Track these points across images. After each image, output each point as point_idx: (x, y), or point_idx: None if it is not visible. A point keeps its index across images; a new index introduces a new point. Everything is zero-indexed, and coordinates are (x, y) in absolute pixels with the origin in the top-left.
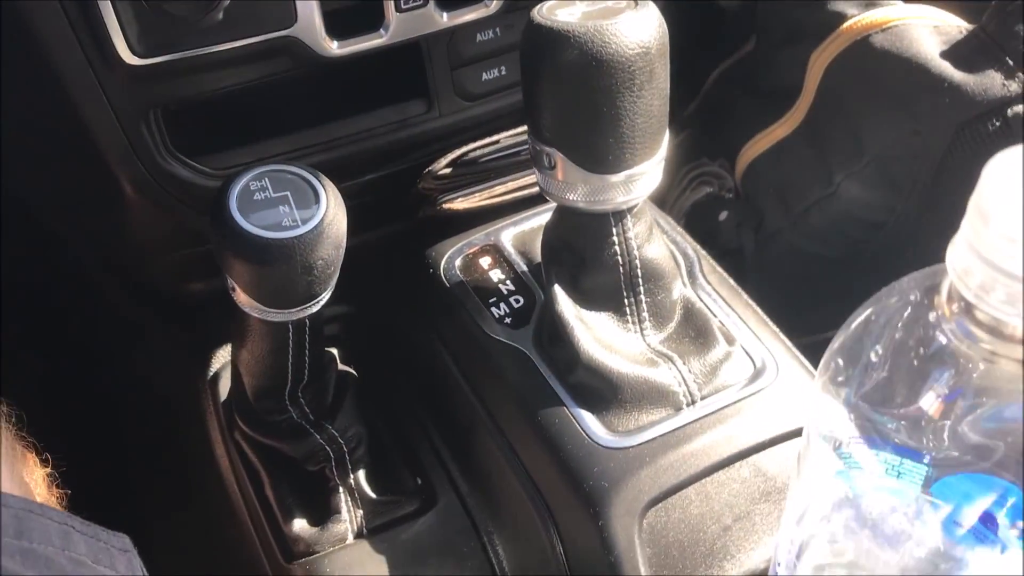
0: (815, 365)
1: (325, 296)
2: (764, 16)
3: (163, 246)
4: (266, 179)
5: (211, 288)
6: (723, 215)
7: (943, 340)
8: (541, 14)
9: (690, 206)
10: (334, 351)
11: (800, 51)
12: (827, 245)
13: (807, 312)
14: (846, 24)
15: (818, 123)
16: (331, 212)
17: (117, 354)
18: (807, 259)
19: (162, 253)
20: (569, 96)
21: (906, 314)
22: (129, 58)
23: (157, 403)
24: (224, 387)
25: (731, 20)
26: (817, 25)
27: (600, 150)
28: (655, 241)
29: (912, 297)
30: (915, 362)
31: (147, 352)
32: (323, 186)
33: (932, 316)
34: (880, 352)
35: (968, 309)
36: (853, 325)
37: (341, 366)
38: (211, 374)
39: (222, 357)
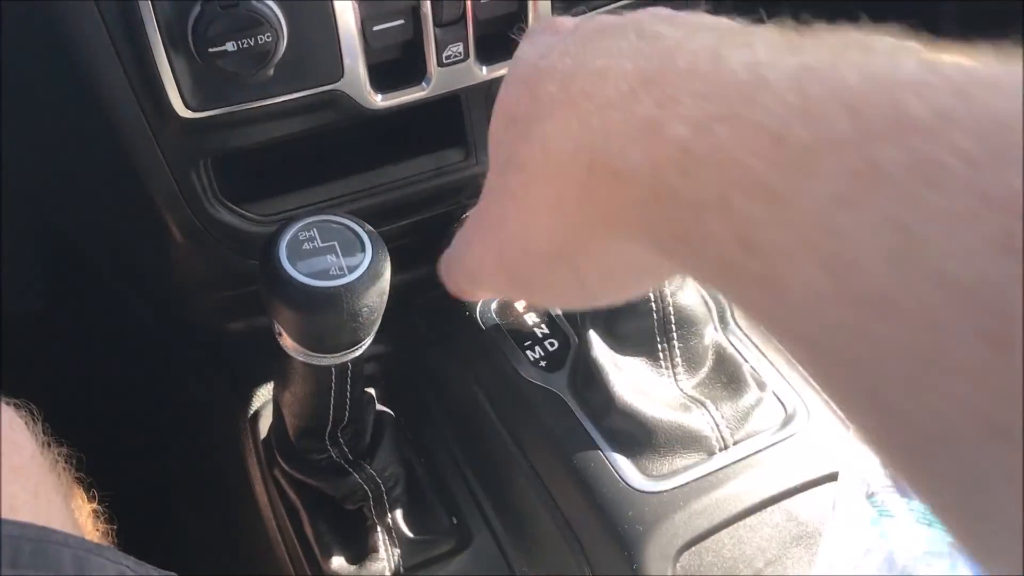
0: None
1: (368, 340)
2: None
3: (205, 286)
4: (314, 229)
5: (251, 327)
6: None
7: None
8: None
9: None
10: (372, 391)
11: None
12: None
13: None
14: None
15: None
16: (376, 261)
17: (157, 391)
18: None
19: (204, 292)
20: None
21: None
22: (183, 111)
23: (197, 439)
24: (264, 425)
25: None
26: None
27: None
28: (688, 288)
29: None
30: None
31: (187, 388)
32: (368, 236)
33: None
34: None
35: None
36: None
37: (379, 406)
38: (252, 412)
39: (262, 396)
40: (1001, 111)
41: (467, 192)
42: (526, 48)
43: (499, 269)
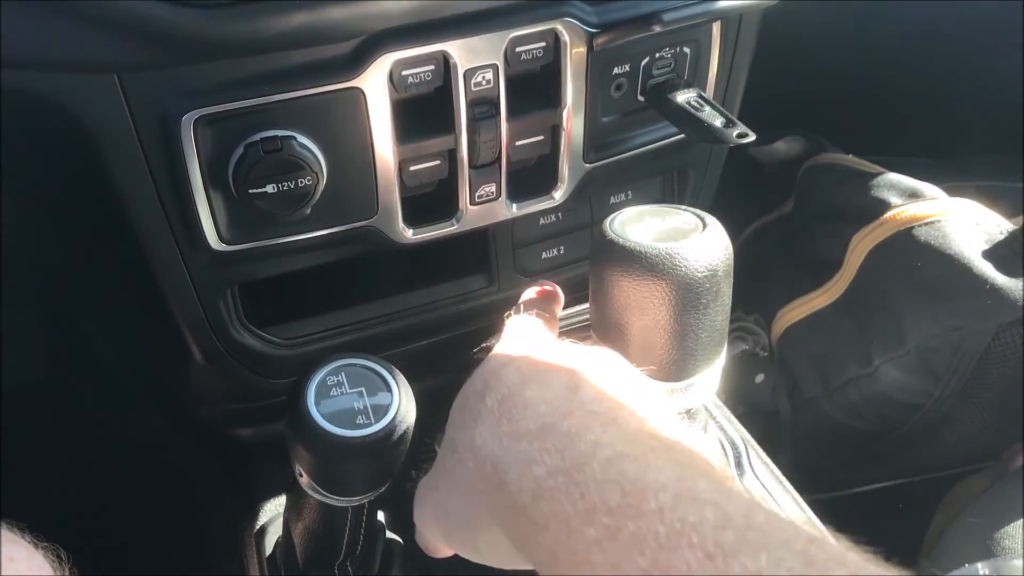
0: (841, 520)
1: (387, 483)
2: (805, 186)
3: (218, 399)
4: (343, 373)
5: (260, 434)
6: (759, 377)
7: None
8: (614, 230)
9: (727, 361)
10: (382, 517)
11: (841, 229)
12: (862, 419)
13: (835, 471)
14: (889, 213)
15: (858, 302)
16: (403, 409)
17: (164, 498)
18: (841, 429)
19: (216, 404)
20: (637, 311)
21: None
22: (216, 244)
23: (198, 547)
24: (270, 541)
25: (769, 178)
26: (859, 208)
27: (665, 361)
28: (709, 440)
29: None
30: None
31: (194, 497)
32: (396, 382)
33: None
34: None
35: None
36: None
37: (389, 533)
38: (258, 526)
39: (269, 510)
40: None
41: (488, 316)
42: (503, 348)
43: (434, 524)
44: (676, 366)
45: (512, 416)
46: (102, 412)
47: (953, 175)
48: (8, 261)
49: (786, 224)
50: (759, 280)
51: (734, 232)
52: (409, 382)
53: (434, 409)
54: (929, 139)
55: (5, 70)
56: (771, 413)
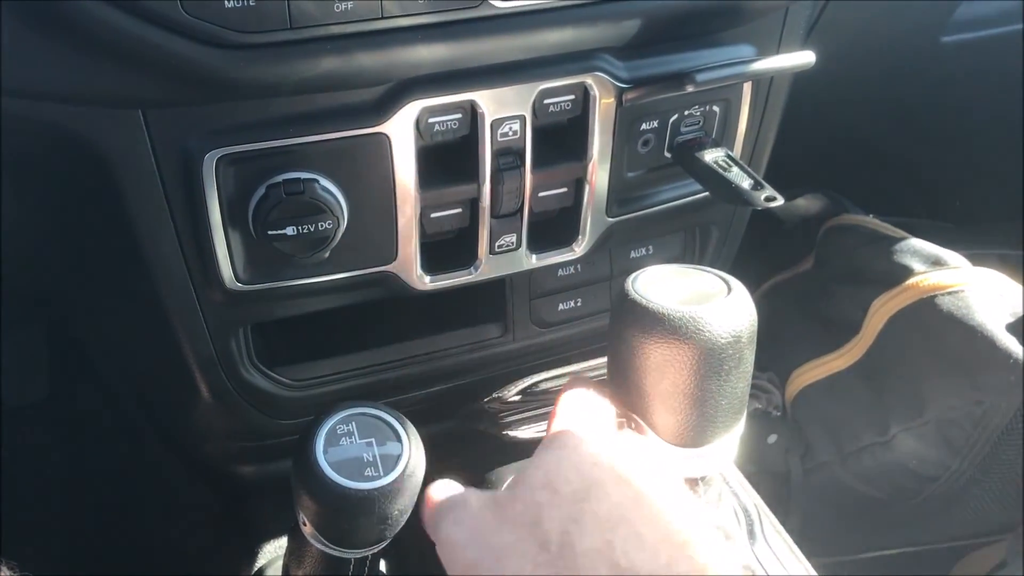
0: None
1: (392, 535)
2: (825, 245)
3: (223, 436)
4: (353, 422)
5: (261, 473)
6: (772, 438)
7: None
8: (636, 290)
9: None
10: (384, 567)
11: (862, 293)
12: (875, 487)
13: (845, 535)
14: (911, 280)
15: (877, 368)
16: (412, 462)
17: (162, 534)
18: (853, 495)
19: (220, 441)
20: (656, 374)
21: None
22: (232, 284)
23: None
24: None
25: (789, 235)
26: (881, 272)
27: (682, 427)
28: (723, 507)
29: None
30: None
31: (192, 534)
32: (407, 434)
33: None
34: None
35: None
36: None
37: None
38: (256, 568)
39: (268, 552)
40: None
41: (501, 365)
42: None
43: None
44: (694, 432)
45: None
46: (103, 443)
47: (974, 242)
48: (16, 283)
49: (805, 282)
50: (775, 337)
51: (751, 287)
52: (417, 427)
53: (441, 456)
54: (947, 203)
55: (31, 101)
56: (782, 474)
